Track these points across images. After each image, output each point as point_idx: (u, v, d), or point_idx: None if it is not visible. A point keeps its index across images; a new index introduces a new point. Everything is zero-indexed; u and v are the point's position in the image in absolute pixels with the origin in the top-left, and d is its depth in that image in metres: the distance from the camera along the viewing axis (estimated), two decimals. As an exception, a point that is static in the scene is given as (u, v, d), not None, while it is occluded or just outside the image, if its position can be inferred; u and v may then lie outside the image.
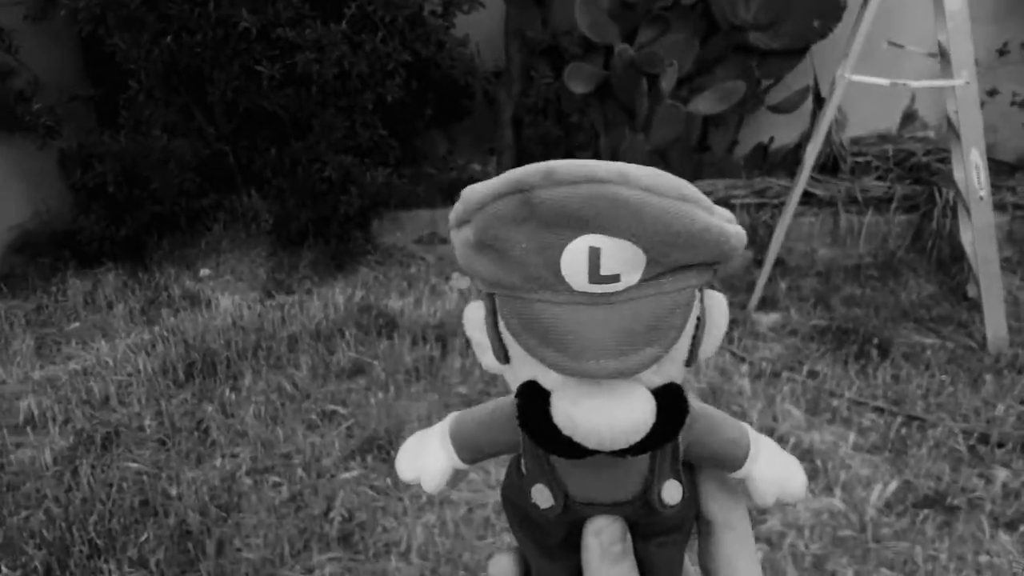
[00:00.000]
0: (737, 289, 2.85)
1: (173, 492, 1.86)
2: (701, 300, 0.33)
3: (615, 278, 0.30)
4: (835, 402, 2.21)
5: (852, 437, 2.05)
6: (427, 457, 0.39)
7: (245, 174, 3.15)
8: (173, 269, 3.11)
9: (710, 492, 0.38)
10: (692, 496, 0.37)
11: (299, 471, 1.96)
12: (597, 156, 3.41)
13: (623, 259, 0.30)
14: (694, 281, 0.32)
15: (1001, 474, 1.93)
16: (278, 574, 1.65)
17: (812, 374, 2.37)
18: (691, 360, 0.34)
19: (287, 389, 2.30)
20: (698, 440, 0.37)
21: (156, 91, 2.85)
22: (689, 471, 0.38)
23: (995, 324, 2.49)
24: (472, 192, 0.32)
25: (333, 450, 2.04)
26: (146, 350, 2.54)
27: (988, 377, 2.32)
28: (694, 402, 0.36)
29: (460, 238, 0.34)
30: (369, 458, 2.01)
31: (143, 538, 1.69)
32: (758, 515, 1.76)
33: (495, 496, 1.85)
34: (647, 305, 0.31)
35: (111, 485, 1.87)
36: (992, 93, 3.48)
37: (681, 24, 3.15)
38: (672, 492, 0.36)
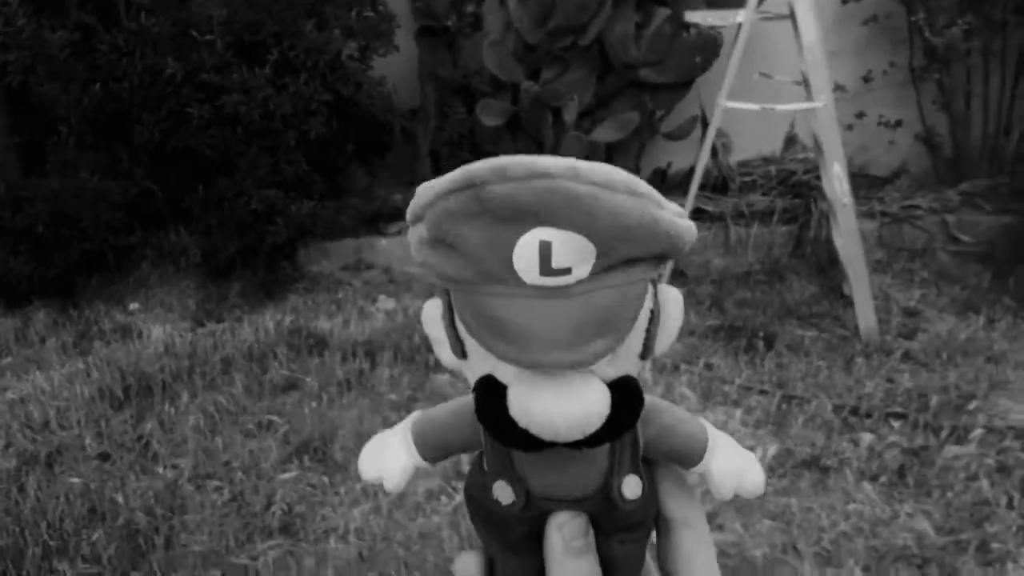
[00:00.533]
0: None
1: (119, 499, 1.97)
2: (655, 294, 0.34)
3: (566, 271, 0.31)
4: (726, 388, 2.48)
5: (739, 415, 2.32)
6: (388, 456, 0.40)
7: (172, 211, 3.29)
8: (103, 305, 3.20)
9: (668, 490, 0.39)
10: (653, 492, 0.38)
11: (239, 474, 2.10)
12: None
13: (574, 252, 0.31)
14: (644, 274, 0.33)
15: (867, 438, 2.21)
16: (224, 562, 1.79)
17: (707, 366, 2.63)
18: (646, 353, 0.35)
19: (223, 404, 2.43)
20: (658, 436, 0.37)
21: (85, 136, 2.97)
22: (648, 468, 0.38)
23: (865, 316, 2.82)
24: (425, 189, 0.33)
25: (271, 454, 2.18)
26: (81, 378, 2.63)
27: (859, 360, 2.63)
28: (653, 398, 0.37)
29: (415, 235, 0.34)
30: (306, 459, 2.17)
31: (95, 537, 1.80)
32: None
33: (425, 483, 2.03)
34: (598, 297, 0.32)
35: (58, 496, 1.98)
36: (860, 116, 3.91)
37: (580, 63, 3.46)
38: (632, 487, 0.36)
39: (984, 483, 1.95)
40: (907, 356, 2.67)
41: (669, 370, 2.60)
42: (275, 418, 2.37)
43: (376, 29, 3.04)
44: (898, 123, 3.89)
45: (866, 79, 3.92)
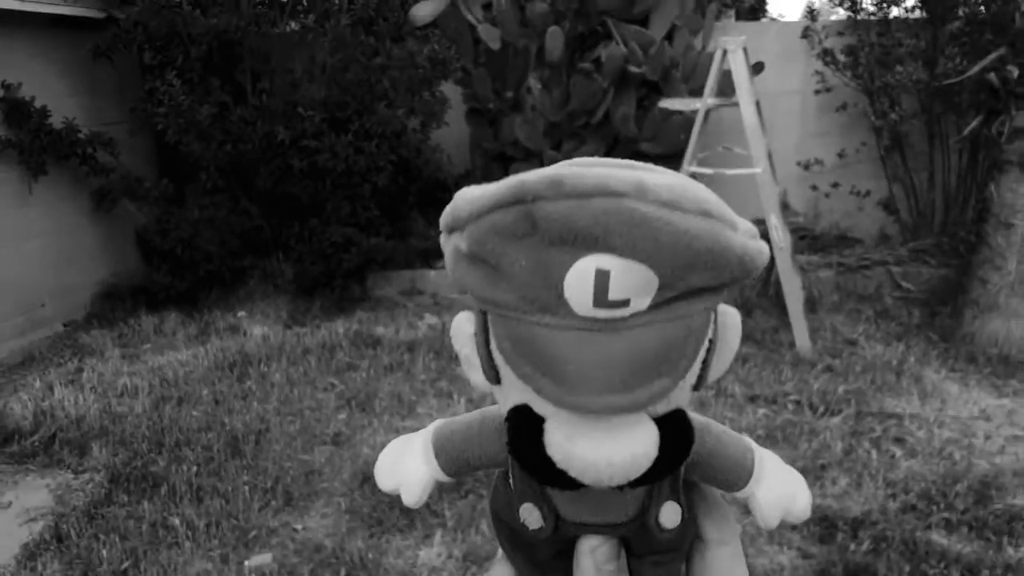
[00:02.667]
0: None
1: (226, 420, 2.90)
2: (714, 320, 0.31)
3: (624, 303, 0.27)
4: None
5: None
6: (407, 467, 0.37)
7: (274, 242, 4.32)
8: (219, 311, 4.22)
9: (703, 508, 0.36)
10: (692, 516, 0.35)
11: (307, 412, 3.00)
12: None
13: (634, 283, 0.27)
14: (710, 303, 0.30)
15: (762, 411, 2.94)
16: (294, 457, 2.66)
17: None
18: (700, 384, 0.31)
19: (301, 373, 3.36)
20: (701, 460, 0.35)
21: (217, 182, 4.06)
22: (688, 489, 0.35)
23: (801, 337, 3.54)
24: (468, 198, 0.29)
25: (330, 403, 3.08)
26: (201, 356, 3.61)
27: (785, 368, 3.34)
28: (696, 418, 0.34)
29: (450, 245, 0.31)
30: (354, 406, 3.05)
31: (208, 437, 2.72)
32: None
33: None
34: (658, 332, 0.28)
35: (184, 420, 2.92)
36: (835, 185, 4.65)
37: (593, 137, 4.38)
38: (671, 515, 0.34)
39: (828, 435, 2.66)
40: (828, 369, 3.37)
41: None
42: (335, 382, 3.28)
43: (431, 109, 4.04)
44: (867, 193, 4.62)
45: (841, 155, 4.68)
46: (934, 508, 2.23)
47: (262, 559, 2.11)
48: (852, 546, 2.07)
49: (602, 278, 0.27)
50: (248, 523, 2.27)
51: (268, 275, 4.40)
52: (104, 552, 2.12)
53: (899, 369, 3.33)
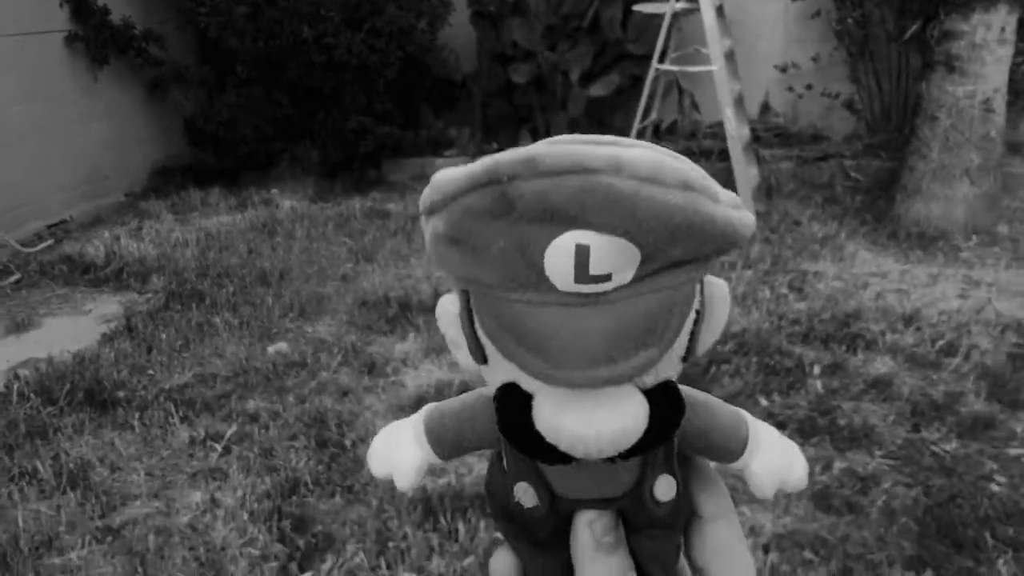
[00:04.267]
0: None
1: (257, 262, 3.60)
2: (701, 291, 0.31)
3: (606, 277, 0.27)
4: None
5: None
6: (400, 452, 0.37)
7: (301, 130, 4.96)
8: (254, 188, 4.91)
9: (698, 484, 0.37)
10: (687, 491, 0.36)
11: (323, 261, 3.68)
12: (534, 128, 5.15)
13: (615, 257, 0.27)
14: (694, 274, 0.29)
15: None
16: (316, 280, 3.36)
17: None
18: (688, 355, 0.31)
19: (321, 232, 4.05)
20: (695, 433, 0.35)
21: (252, 74, 4.68)
22: (682, 462, 0.36)
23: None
24: (443, 180, 0.29)
25: (342, 254, 3.76)
26: (239, 220, 4.32)
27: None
28: (689, 390, 0.34)
29: (429, 228, 0.31)
30: (361, 259, 3.72)
31: (230, 262, 3.43)
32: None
33: (422, 269, 3.52)
34: (641, 304, 0.28)
35: (226, 258, 3.63)
36: (809, 87, 5.09)
37: (584, 40, 4.87)
38: (666, 488, 0.34)
39: (736, 280, 3.26)
40: (765, 240, 3.92)
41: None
42: (347, 240, 3.95)
43: (435, 11, 4.58)
44: (837, 95, 5.05)
45: (815, 59, 5.10)
46: (796, 327, 2.83)
47: (280, 346, 2.82)
48: (718, 347, 2.69)
49: (582, 253, 0.26)
50: (271, 325, 2.98)
51: (297, 158, 5.06)
52: (164, 336, 2.85)
53: (825, 241, 3.87)
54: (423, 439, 0.37)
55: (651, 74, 4.16)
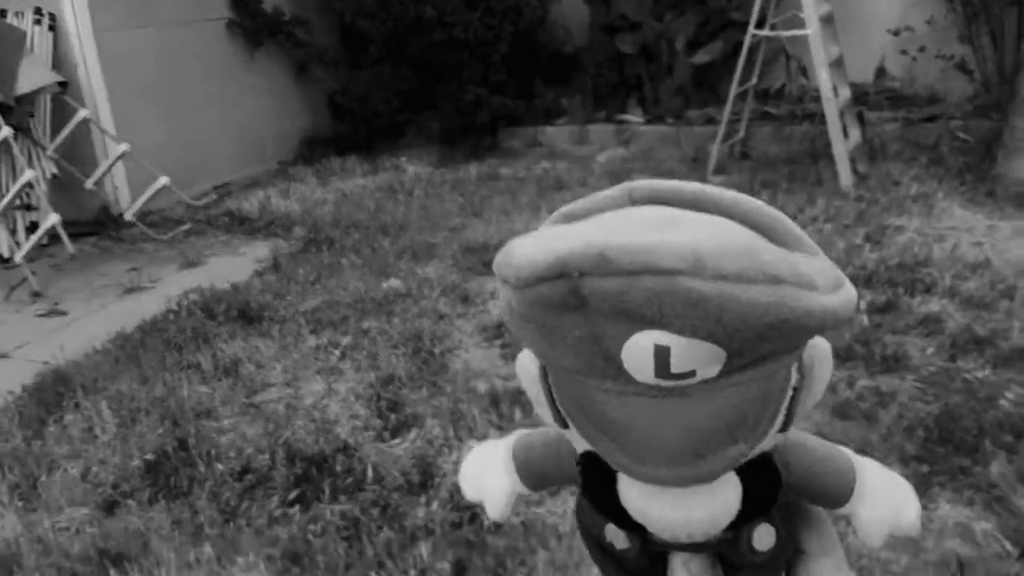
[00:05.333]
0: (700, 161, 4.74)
1: (382, 216, 4.13)
2: (800, 365, 0.28)
3: (690, 374, 0.26)
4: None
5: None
6: (490, 480, 0.37)
7: (425, 101, 5.47)
8: (385, 156, 5.48)
9: (803, 519, 0.35)
10: (790, 532, 0.33)
11: (441, 217, 4.16)
12: (643, 97, 5.41)
13: (698, 358, 0.25)
14: (789, 360, 0.27)
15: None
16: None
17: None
18: (788, 425, 0.29)
19: (440, 192, 4.54)
20: (798, 482, 0.32)
21: (382, 52, 5.23)
22: (786, 504, 0.33)
23: (844, 173, 4.19)
24: (513, 265, 0.26)
25: (454, 209, 4.22)
26: (371, 182, 4.89)
27: (821, 199, 4.05)
28: (793, 437, 0.32)
29: (504, 296, 0.28)
30: (470, 213, 4.17)
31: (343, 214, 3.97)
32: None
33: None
34: (730, 398, 0.26)
35: (347, 212, 4.19)
36: (922, 49, 5.05)
37: (692, 10, 5.08)
38: (764, 537, 0.32)
39: (814, 232, 3.44)
40: (859, 199, 4.03)
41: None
42: (460, 199, 4.42)
43: (545, -11, 4.95)
44: (951, 57, 4.98)
45: (928, 22, 5.05)
46: (861, 272, 3.01)
47: (393, 282, 3.31)
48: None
49: (662, 353, 0.25)
50: (387, 265, 3.48)
51: (422, 128, 5.59)
52: (300, 272, 3.42)
53: (918, 199, 3.93)
54: (511, 469, 0.36)
55: (747, 39, 4.33)
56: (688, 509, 0.28)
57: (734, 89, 4.51)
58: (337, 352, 2.70)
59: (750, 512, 0.29)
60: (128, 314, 3.11)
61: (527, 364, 0.30)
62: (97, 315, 3.19)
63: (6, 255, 3.78)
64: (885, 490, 0.34)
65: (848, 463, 0.34)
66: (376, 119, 5.44)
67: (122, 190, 4.34)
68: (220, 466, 2.06)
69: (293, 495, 1.94)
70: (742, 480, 0.28)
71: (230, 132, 5.11)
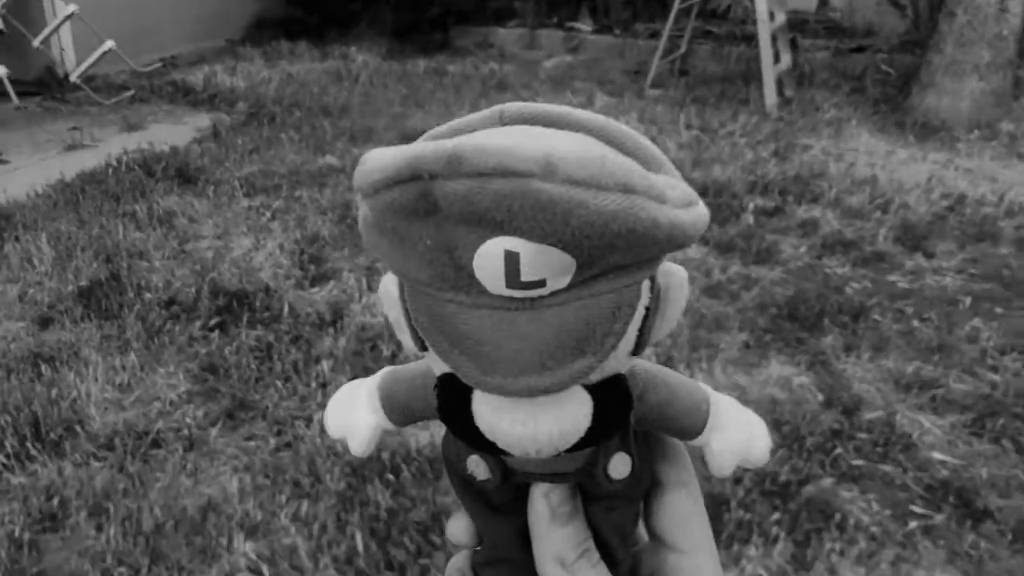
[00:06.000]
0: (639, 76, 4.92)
1: (324, 99, 4.25)
2: (652, 285, 0.28)
3: (540, 283, 0.25)
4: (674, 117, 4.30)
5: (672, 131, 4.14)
6: (354, 417, 0.37)
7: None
8: (336, 45, 5.53)
9: (659, 451, 0.35)
10: (645, 463, 0.34)
11: (394, 96, 4.30)
12: (594, 6, 5.52)
13: (548, 265, 0.25)
14: (639, 275, 0.27)
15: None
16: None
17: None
18: (640, 349, 0.29)
19: (386, 70, 4.65)
20: (652, 410, 0.33)
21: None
22: (643, 435, 0.34)
23: (769, 95, 4.43)
24: (365, 171, 0.26)
25: (396, 97, 4.36)
26: (320, 66, 4.96)
27: (743, 115, 4.29)
28: (648, 368, 0.33)
29: (360, 211, 0.28)
30: (412, 104, 4.31)
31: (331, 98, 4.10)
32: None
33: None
34: (580, 310, 0.26)
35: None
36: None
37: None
38: (620, 467, 0.32)
39: (726, 146, 3.69)
40: (780, 119, 4.28)
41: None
42: (404, 90, 4.55)
43: None
44: (889, -9, 5.20)
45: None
46: (756, 181, 3.28)
47: (329, 159, 3.48)
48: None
49: (512, 260, 0.25)
50: (325, 143, 3.64)
51: (374, 20, 5.64)
52: (239, 142, 3.56)
53: (834, 123, 4.20)
54: (377, 405, 0.36)
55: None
56: (536, 423, 0.28)
57: (677, 4, 4.67)
58: (268, 213, 2.89)
59: (600, 431, 0.29)
60: (69, 167, 3.23)
61: (389, 286, 0.30)
62: (39, 166, 3.31)
63: (-52, 105, 3.83)
64: (737, 424, 0.35)
65: (703, 395, 0.35)
66: (328, 4, 5.46)
67: (68, 52, 4.37)
68: (148, 295, 2.27)
69: (214, 322, 2.17)
70: (593, 398, 0.28)
71: (180, 6, 5.10)
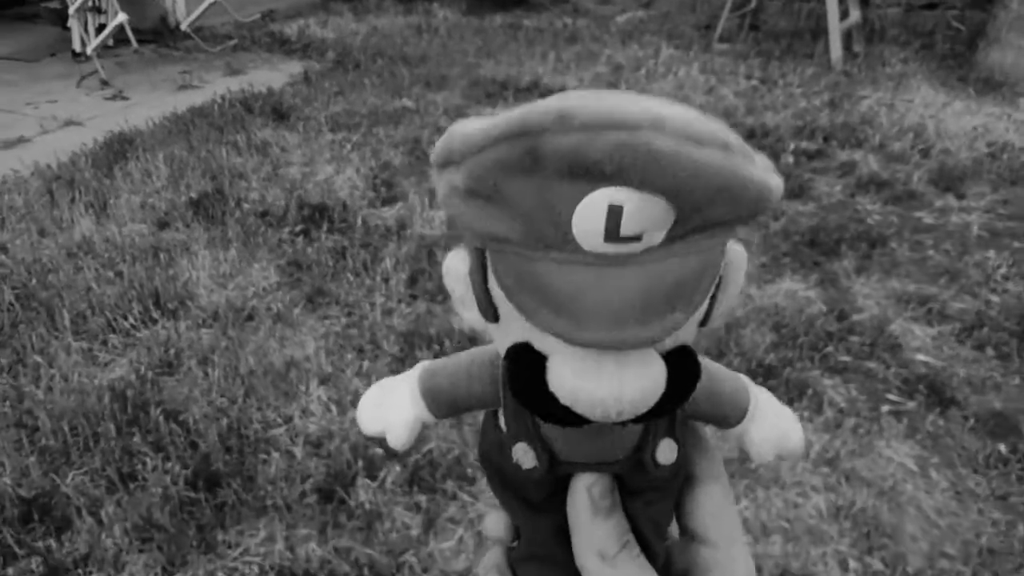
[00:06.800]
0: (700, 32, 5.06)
1: (404, 49, 4.58)
2: (723, 256, 0.30)
3: (636, 238, 0.26)
4: (731, 63, 4.46)
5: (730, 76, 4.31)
6: (393, 409, 0.37)
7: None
8: (420, 2, 5.86)
9: (692, 445, 0.37)
10: (684, 453, 0.35)
11: (453, 54, 4.60)
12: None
13: (649, 217, 0.26)
14: (725, 237, 0.29)
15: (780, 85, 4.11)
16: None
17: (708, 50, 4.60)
18: (706, 322, 0.31)
19: (459, 36, 4.95)
20: (700, 398, 0.33)
21: None
22: (682, 425, 0.35)
23: (834, 49, 4.51)
24: (464, 131, 0.27)
25: (470, 52, 4.65)
26: (401, 21, 5.29)
27: (810, 69, 4.40)
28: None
29: (443, 182, 0.29)
30: (484, 54, 4.60)
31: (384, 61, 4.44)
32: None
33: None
34: (672, 266, 0.27)
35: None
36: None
37: None
38: (667, 452, 0.34)
39: (781, 95, 3.84)
40: (845, 73, 4.37)
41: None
42: (479, 42, 4.83)
43: None
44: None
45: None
46: (801, 125, 3.44)
47: (404, 102, 3.82)
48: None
49: (615, 212, 0.25)
50: (402, 88, 3.98)
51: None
52: (327, 85, 3.94)
53: (897, 77, 4.27)
54: (417, 397, 0.36)
55: (762, -89, 4.56)
56: (622, 383, 0.28)
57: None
58: (348, 146, 3.26)
59: (674, 397, 0.29)
60: (180, 103, 3.68)
61: (456, 263, 0.31)
62: (155, 102, 3.77)
63: (78, 50, 4.34)
64: (774, 415, 0.37)
65: (743, 386, 0.36)
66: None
67: (179, 4, 4.84)
68: (247, 206, 2.67)
69: (299, 228, 2.55)
70: (666, 364, 0.29)
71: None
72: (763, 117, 3.61)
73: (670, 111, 0.24)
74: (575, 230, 0.26)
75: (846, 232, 2.57)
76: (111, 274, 2.26)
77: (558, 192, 0.25)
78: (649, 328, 0.27)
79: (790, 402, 1.79)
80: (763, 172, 0.27)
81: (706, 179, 0.25)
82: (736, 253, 0.30)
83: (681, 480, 0.36)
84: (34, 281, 2.22)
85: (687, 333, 0.30)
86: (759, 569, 1.41)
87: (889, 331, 2.08)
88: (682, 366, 0.29)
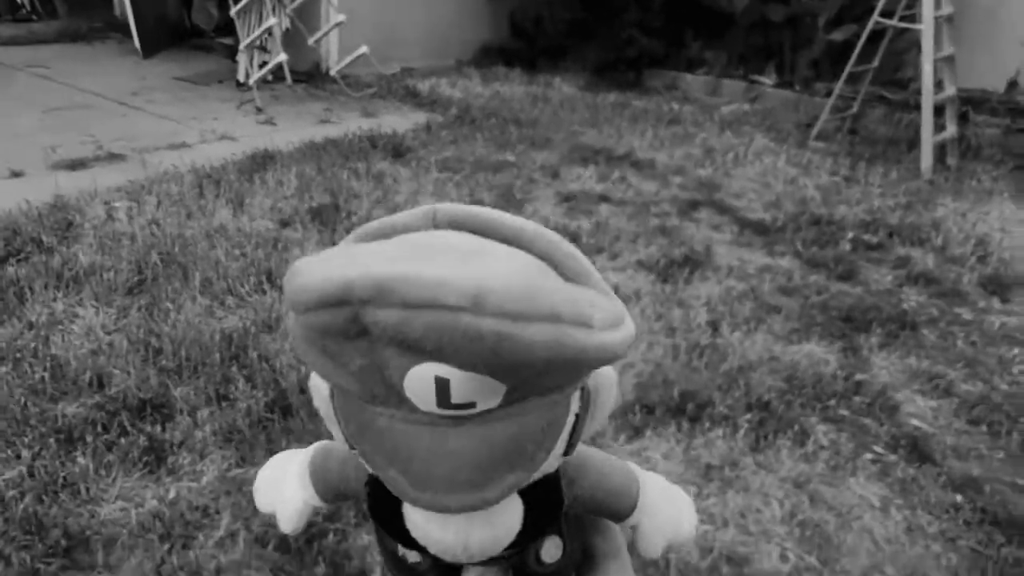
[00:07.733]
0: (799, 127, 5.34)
1: (520, 115, 5.10)
2: (582, 392, 0.30)
3: (470, 404, 0.27)
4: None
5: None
6: (283, 493, 0.37)
7: (587, 33, 6.34)
8: (544, 74, 6.41)
9: (592, 522, 0.37)
10: (576, 540, 0.35)
11: (563, 121, 5.07)
12: (780, 64, 6.01)
13: (477, 390, 0.26)
14: (568, 391, 0.29)
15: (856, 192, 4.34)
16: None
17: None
18: (570, 450, 0.31)
19: (571, 108, 5.43)
20: (583, 495, 0.34)
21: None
22: (573, 519, 0.35)
23: (925, 157, 4.69)
24: (294, 287, 0.26)
25: (577, 121, 5.11)
26: (522, 91, 5.84)
27: (895, 171, 4.60)
28: (582, 453, 0.33)
29: (292, 324, 0.29)
30: (590, 124, 5.05)
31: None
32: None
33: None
34: (509, 428, 0.27)
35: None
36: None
37: (838, -9, 5.59)
38: (552, 550, 0.34)
39: (857, 192, 4.06)
40: (930, 183, 4.54)
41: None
42: (587, 116, 5.29)
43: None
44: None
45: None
46: (870, 216, 3.65)
47: (508, 156, 4.28)
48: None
49: (442, 384, 0.26)
50: (507, 144, 4.45)
51: (579, 57, 6.47)
52: (443, 135, 4.47)
53: (981, 192, 4.39)
54: (307, 481, 0.37)
55: (870, 24, 4.86)
56: (468, 533, 0.29)
57: (849, 66, 5.06)
58: (451, 184, 3.72)
59: (532, 530, 0.29)
60: (318, 134, 4.28)
61: (319, 383, 0.30)
62: (297, 130, 4.39)
63: (242, 80, 5.08)
64: (666, 504, 0.37)
65: (632, 478, 0.36)
66: (545, 38, 6.37)
67: (332, 52, 5.56)
68: (355, 218, 3.15)
69: (393, 241, 3.00)
70: (524, 500, 0.29)
71: (425, 27, 6.23)
72: (835, 209, 3.84)
73: (494, 285, 0.24)
74: (408, 394, 0.26)
75: (881, 313, 2.78)
76: (237, 252, 2.76)
77: (387, 358, 0.26)
78: (484, 491, 0.27)
79: (776, 434, 2.03)
80: (600, 334, 0.26)
81: (531, 356, 0.25)
82: (603, 377, 0.31)
83: (577, 560, 0.36)
84: (176, 249, 2.74)
85: (547, 466, 0.30)
86: (709, 549, 1.67)
87: (891, 396, 2.28)
88: (541, 502, 0.30)
